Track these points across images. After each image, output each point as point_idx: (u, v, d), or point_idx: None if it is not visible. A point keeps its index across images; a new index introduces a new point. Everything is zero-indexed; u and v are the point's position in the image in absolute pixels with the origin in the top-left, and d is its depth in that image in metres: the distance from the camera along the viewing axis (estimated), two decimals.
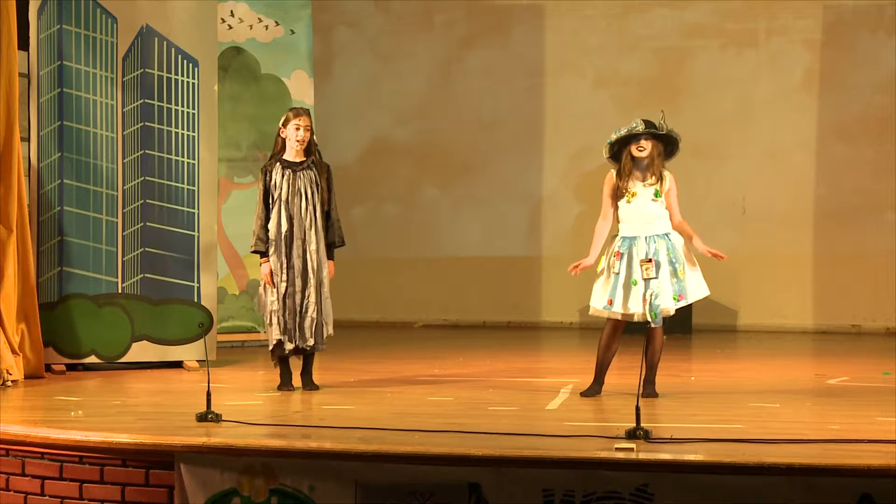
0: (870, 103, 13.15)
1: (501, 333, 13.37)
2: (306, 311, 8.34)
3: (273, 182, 8.35)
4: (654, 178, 8.11)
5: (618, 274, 8.06)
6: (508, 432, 6.67)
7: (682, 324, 12.33)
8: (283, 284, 8.32)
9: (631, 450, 6.02)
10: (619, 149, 8.19)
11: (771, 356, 11.27)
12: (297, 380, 8.48)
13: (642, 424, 6.40)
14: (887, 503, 5.63)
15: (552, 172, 13.95)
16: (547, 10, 13.97)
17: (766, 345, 12.34)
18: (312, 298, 8.35)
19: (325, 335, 8.45)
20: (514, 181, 13.98)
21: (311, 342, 8.36)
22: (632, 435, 6.35)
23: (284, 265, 8.32)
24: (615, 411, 7.56)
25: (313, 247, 8.36)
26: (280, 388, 8.44)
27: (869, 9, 13.25)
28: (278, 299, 8.31)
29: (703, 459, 5.98)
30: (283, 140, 8.40)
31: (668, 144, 8.18)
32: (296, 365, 8.53)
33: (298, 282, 8.33)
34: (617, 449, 6.05)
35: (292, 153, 8.39)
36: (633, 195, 8.11)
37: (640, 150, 8.10)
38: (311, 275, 8.35)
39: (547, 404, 7.97)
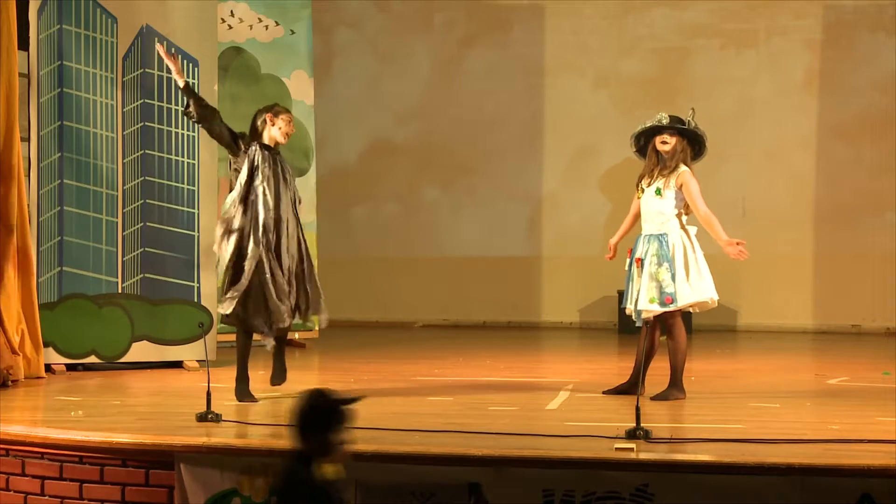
0: (870, 103, 13.15)
1: (501, 333, 13.37)
2: (293, 294, 8.10)
3: (255, 162, 8.04)
4: (666, 171, 8.08)
5: (627, 270, 8.13)
6: (508, 432, 6.67)
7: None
8: (269, 265, 7.91)
9: (631, 450, 6.02)
10: (644, 144, 8.17)
11: (771, 356, 11.27)
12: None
13: (642, 424, 6.40)
14: (887, 503, 5.64)
15: (552, 172, 13.94)
16: (547, 10, 13.97)
17: (766, 345, 12.33)
18: (290, 287, 8.06)
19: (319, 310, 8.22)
20: (514, 181, 13.98)
21: (289, 322, 8.06)
22: (632, 435, 6.36)
23: (274, 246, 7.98)
24: (615, 411, 7.56)
25: (295, 227, 8.11)
26: (247, 398, 7.99)
27: (869, 9, 13.25)
28: (260, 279, 7.93)
29: (703, 459, 5.98)
30: (264, 128, 8.13)
31: (694, 143, 8.16)
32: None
33: (289, 262, 8.03)
34: (617, 449, 6.05)
35: (268, 140, 8.14)
36: (641, 192, 8.12)
37: (663, 144, 8.07)
38: (294, 263, 8.07)
39: (547, 404, 7.97)
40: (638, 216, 8.26)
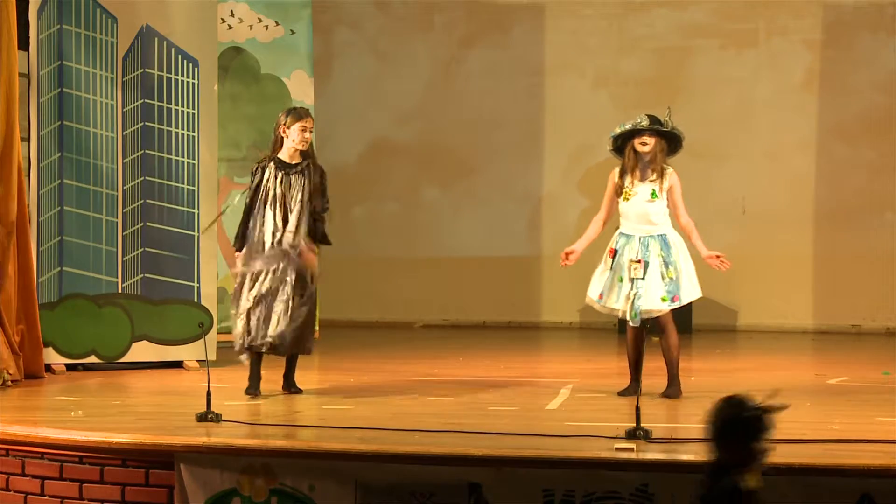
0: (870, 103, 13.15)
1: (501, 333, 13.37)
2: (290, 314, 8.16)
3: (266, 181, 8.17)
4: (654, 174, 8.12)
5: (611, 270, 8.12)
6: (508, 432, 6.68)
7: (682, 324, 12.27)
8: (265, 285, 8.10)
9: (631, 450, 6.02)
10: (622, 143, 8.20)
11: (771, 356, 11.27)
12: (263, 383, 8.32)
13: (642, 424, 6.40)
14: (887, 503, 5.64)
15: (552, 172, 13.94)
16: (547, 10, 13.97)
17: (766, 345, 12.33)
18: (298, 301, 8.13)
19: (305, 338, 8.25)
20: (514, 181, 13.98)
21: (293, 346, 8.19)
22: (632, 435, 6.36)
23: (269, 269, 8.09)
24: (615, 411, 7.57)
25: (300, 248, 8.20)
26: (250, 392, 8.15)
27: (869, 9, 13.25)
28: (253, 298, 8.10)
29: (703, 459, 5.97)
30: (282, 140, 8.27)
31: (671, 141, 8.21)
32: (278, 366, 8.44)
33: (283, 284, 8.10)
34: (617, 449, 6.05)
35: (288, 154, 8.23)
36: (630, 194, 8.13)
37: (643, 145, 8.10)
38: (297, 276, 8.13)
39: (547, 404, 7.97)
40: (608, 220, 8.29)
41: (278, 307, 8.07)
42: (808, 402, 8.19)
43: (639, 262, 8.03)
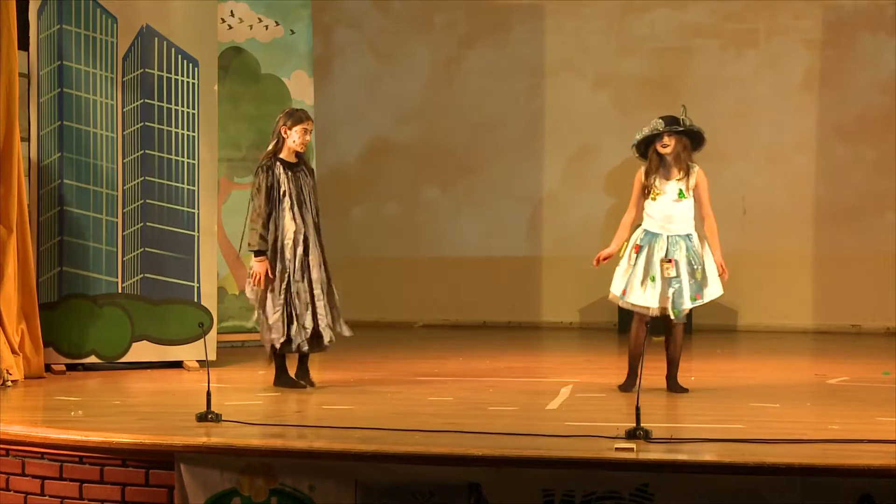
0: (870, 103, 13.15)
1: (501, 333, 13.37)
2: (317, 312, 8.35)
3: (278, 180, 8.33)
4: (681, 173, 8.20)
5: (635, 266, 8.15)
6: (508, 432, 6.68)
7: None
8: (296, 284, 8.31)
9: (631, 450, 6.02)
10: (646, 148, 8.28)
11: (771, 356, 11.27)
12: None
13: (642, 424, 6.41)
14: (887, 503, 5.64)
15: (552, 172, 13.94)
16: (547, 10, 13.97)
17: (766, 345, 12.33)
18: (322, 298, 8.36)
19: (333, 333, 8.50)
20: (514, 181, 13.98)
21: (324, 340, 8.43)
22: (632, 435, 6.35)
23: (298, 265, 8.31)
24: (615, 411, 7.57)
25: (319, 245, 8.42)
26: (289, 385, 8.47)
27: (869, 9, 13.25)
28: (286, 299, 8.31)
29: (703, 459, 5.98)
30: (283, 140, 8.38)
31: (693, 138, 8.27)
32: (291, 363, 8.57)
33: (308, 281, 8.34)
34: (617, 449, 6.05)
35: (286, 154, 8.40)
36: (658, 194, 8.20)
37: (664, 147, 8.21)
38: (323, 274, 8.38)
39: (547, 404, 7.97)
40: (637, 220, 8.32)
41: (318, 305, 8.36)
42: (808, 402, 8.21)
43: (670, 261, 8.10)
